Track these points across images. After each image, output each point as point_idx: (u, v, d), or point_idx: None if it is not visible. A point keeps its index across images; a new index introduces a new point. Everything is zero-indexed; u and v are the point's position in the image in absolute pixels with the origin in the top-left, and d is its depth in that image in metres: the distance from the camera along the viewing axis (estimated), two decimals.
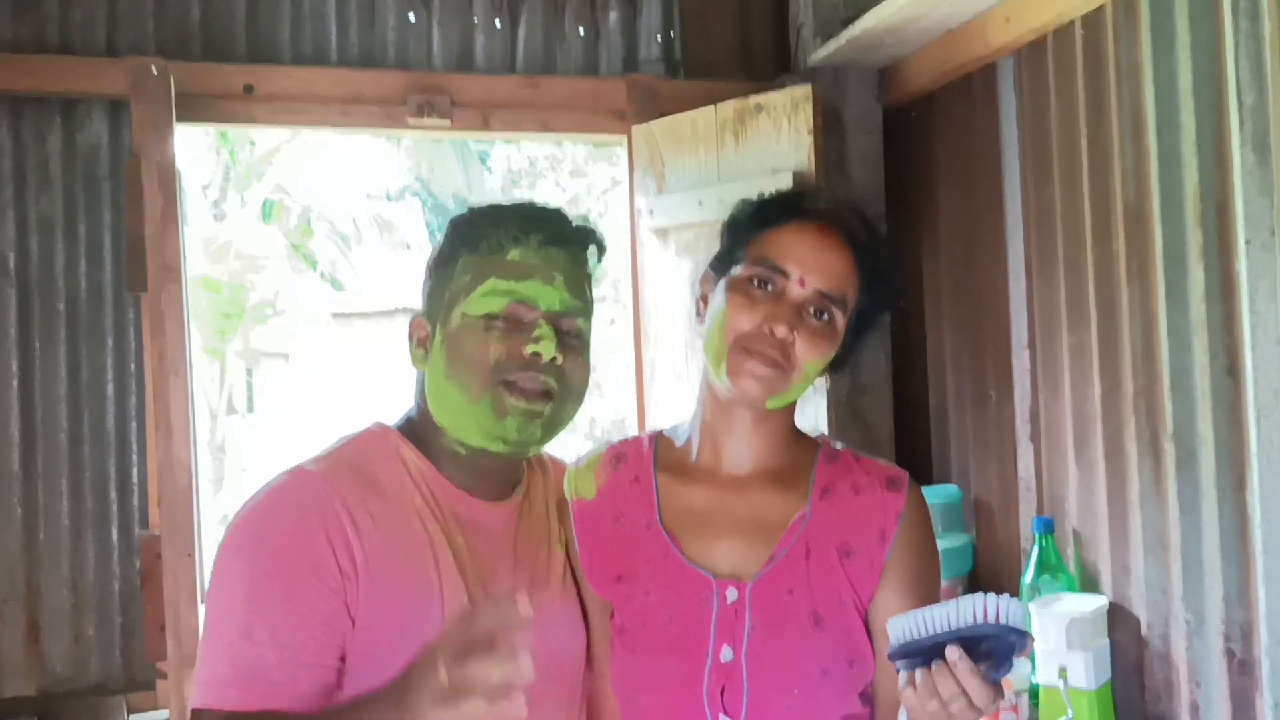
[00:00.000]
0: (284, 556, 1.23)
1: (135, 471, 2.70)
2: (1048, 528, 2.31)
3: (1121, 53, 2.15)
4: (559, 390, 1.34)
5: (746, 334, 1.35)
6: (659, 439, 1.51)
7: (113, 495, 2.69)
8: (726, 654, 1.33)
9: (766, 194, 1.47)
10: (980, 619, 1.13)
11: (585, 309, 1.39)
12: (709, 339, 1.39)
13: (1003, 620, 1.13)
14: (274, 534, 1.25)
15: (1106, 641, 2.17)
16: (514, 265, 1.34)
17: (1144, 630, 2.14)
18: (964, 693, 1.13)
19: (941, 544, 2.56)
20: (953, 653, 1.13)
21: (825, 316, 1.36)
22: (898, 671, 1.19)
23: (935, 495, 2.68)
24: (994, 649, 1.14)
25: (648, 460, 1.47)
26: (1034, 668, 2.20)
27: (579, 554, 1.45)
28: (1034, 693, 2.21)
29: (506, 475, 1.43)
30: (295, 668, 1.20)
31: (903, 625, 1.17)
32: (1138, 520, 2.14)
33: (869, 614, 1.38)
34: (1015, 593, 2.39)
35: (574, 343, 1.37)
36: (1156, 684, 2.13)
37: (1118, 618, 2.19)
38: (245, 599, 1.22)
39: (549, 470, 1.53)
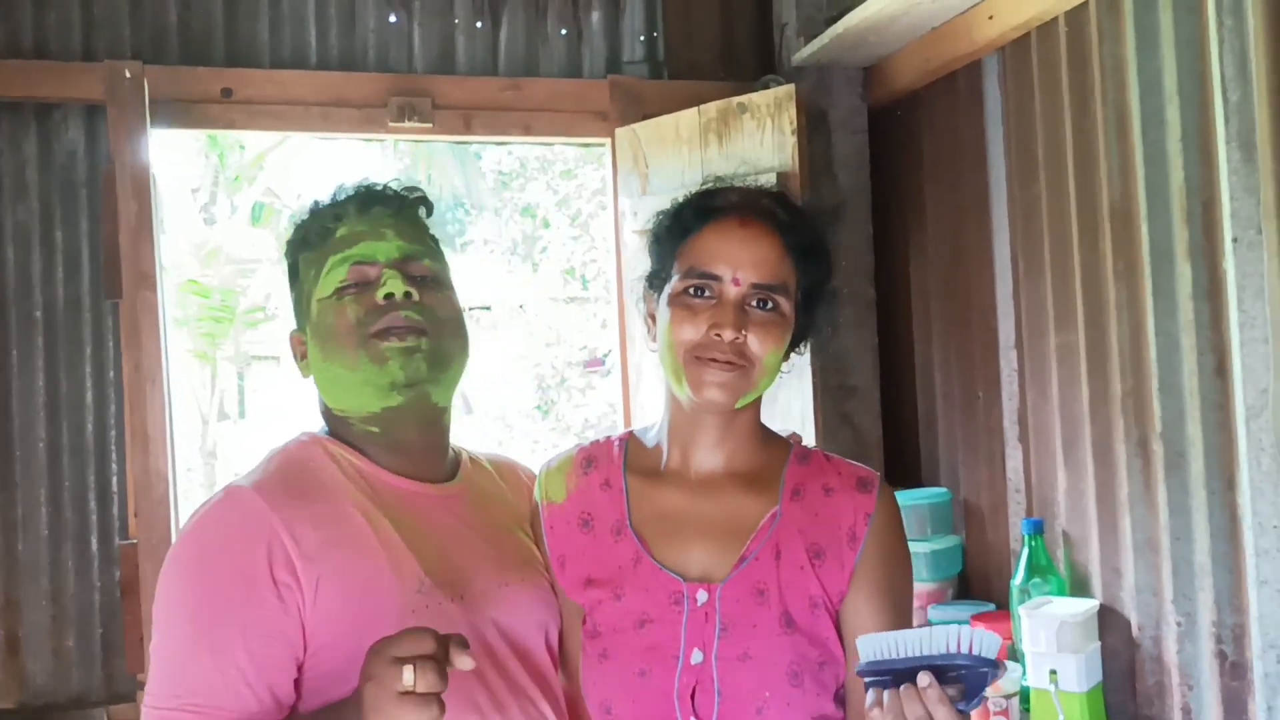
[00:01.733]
0: (222, 575, 1.24)
1: (115, 481, 2.67)
2: (1037, 529, 2.29)
3: (1105, 49, 2.13)
4: (429, 325, 1.36)
5: (696, 344, 1.34)
6: (630, 441, 1.50)
7: (92, 506, 2.67)
8: (697, 656, 1.32)
9: (678, 200, 1.46)
10: (953, 649, 1.13)
11: (429, 251, 1.43)
12: (663, 357, 1.39)
13: (976, 652, 1.12)
14: (210, 554, 1.26)
15: (1097, 644, 2.15)
16: (344, 238, 1.39)
17: (1135, 633, 2.12)
18: (929, 717, 1.12)
19: (930, 546, 2.58)
20: (924, 678, 1.12)
21: (769, 305, 1.36)
22: (866, 689, 1.18)
23: (924, 497, 2.66)
24: (965, 679, 1.13)
25: (618, 464, 1.46)
26: (1024, 670, 2.17)
27: (550, 558, 1.44)
28: (1025, 695, 2.19)
29: (435, 455, 1.44)
30: (241, 685, 1.21)
31: (874, 644, 1.16)
32: (1127, 522, 2.12)
33: (840, 616, 1.37)
34: (1005, 595, 2.38)
35: (429, 283, 1.40)
36: (1148, 687, 2.11)
37: (1108, 620, 2.17)
38: (188, 620, 1.23)
39: (493, 472, 1.53)
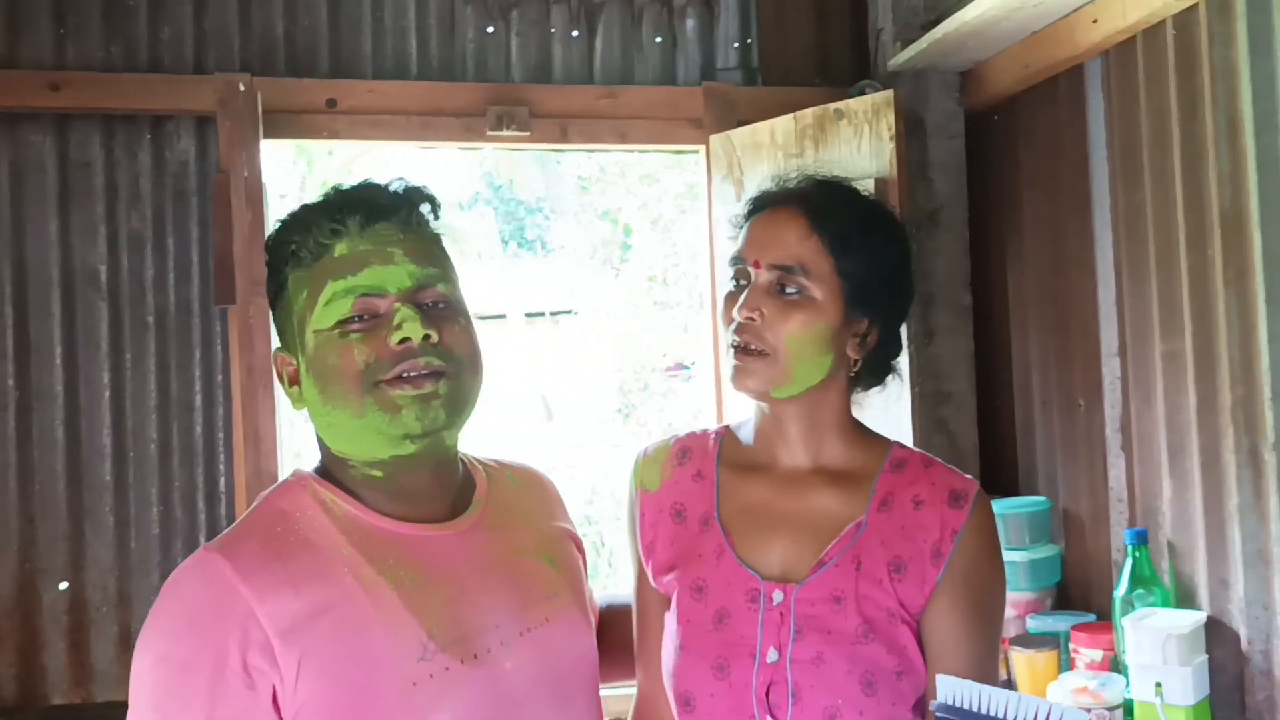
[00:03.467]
0: (185, 661, 1.12)
1: (222, 482, 2.75)
2: (1141, 539, 2.25)
3: (1216, 52, 2.09)
4: (448, 367, 1.22)
5: (729, 331, 1.37)
6: (726, 435, 1.50)
7: (200, 505, 2.74)
8: (773, 655, 1.32)
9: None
10: None
11: (443, 273, 1.27)
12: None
13: None
14: (174, 636, 1.14)
15: (1204, 657, 2.11)
16: (345, 260, 1.21)
17: (1244, 646, 2.08)
18: None
19: (1028, 555, 2.56)
20: None
21: (793, 290, 1.35)
22: None
23: (1022, 505, 2.64)
24: None
25: (712, 456, 1.47)
26: (1129, 683, 2.14)
27: (640, 544, 1.46)
28: (1129, 708, 2.15)
29: (444, 490, 1.30)
30: None
31: (955, 689, 1.14)
32: (1237, 533, 2.08)
33: (921, 627, 1.35)
34: (1105, 605, 2.36)
35: (444, 311, 1.25)
36: (1258, 701, 2.07)
37: (1216, 633, 2.13)
38: (151, 708, 1.14)
39: (528, 479, 1.45)
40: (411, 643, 1.16)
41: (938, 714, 1.15)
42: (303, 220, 1.25)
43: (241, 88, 2.66)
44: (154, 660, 1.15)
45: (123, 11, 2.74)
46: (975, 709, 1.12)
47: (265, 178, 2.69)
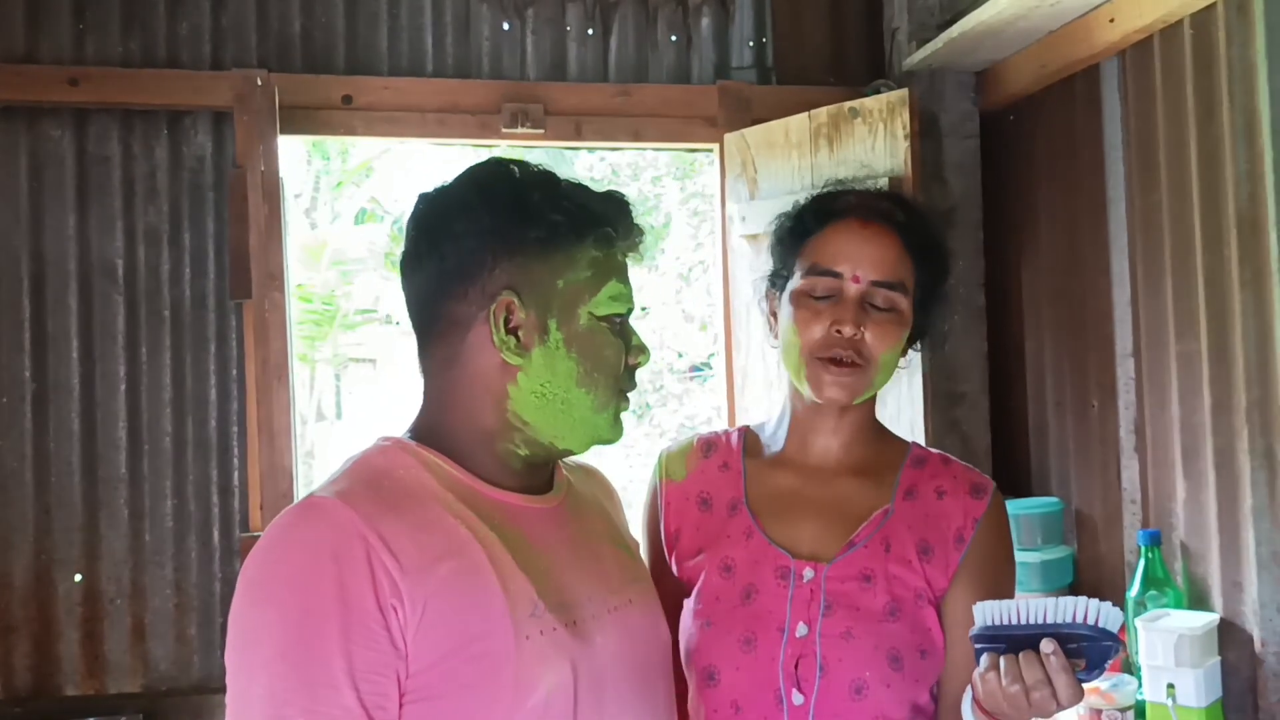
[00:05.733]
0: (315, 603, 1.05)
1: (236, 475, 2.76)
2: (1154, 541, 2.25)
3: (1234, 52, 2.08)
4: None
5: (817, 343, 1.40)
6: (747, 433, 1.56)
7: (214, 499, 2.76)
8: (802, 630, 1.37)
9: (799, 203, 1.52)
10: (1076, 619, 1.13)
11: None
12: (786, 354, 1.45)
13: (1099, 624, 1.13)
14: (299, 578, 1.06)
15: (1217, 659, 2.10)
16: (621, 267, 1.26)
17: (1258, 648, 2.08)
18: (1049, 682, 1.13)
19: (1041, 556, 2.55)
20: (1048, 645, 1.13)
21: (888, 303, 1.41)
22: (976, 654, 1.19)
23: (1034, 507, 2.63)
24: (1086, 651, 1.14)
25: (737, 450, 1.53)
26: (1141, 684, 2.14)
27: (665, 533, 1.51)
28: (1140, 710, 2.15)
29: (545, 470, 1.31)
30: None
31: (991, 610, 1.18)
32: (1251, 535, 2.07)
33: (942, 609, 1.41)
34: (1120, 607, 2.34)
35: None
36: (1271, 704, 2.06)
37: (1229, 635, 2.13)
38: (278, 659, 1.05)
39: (593, 473, 1.46)
40: (523, 597, 1.15)
41: (977, 642, 1.18)
42: (613, 209, 1.25)
43: (259, 83, 2.67)
44: (276, 612, 1.06)
45: (141, 7, 2.76)
46: (1013, 621, 1.16)
47: (281, 173, 2.69)
